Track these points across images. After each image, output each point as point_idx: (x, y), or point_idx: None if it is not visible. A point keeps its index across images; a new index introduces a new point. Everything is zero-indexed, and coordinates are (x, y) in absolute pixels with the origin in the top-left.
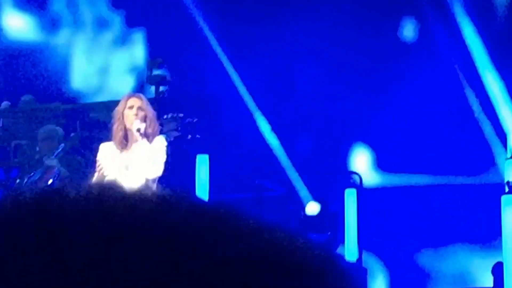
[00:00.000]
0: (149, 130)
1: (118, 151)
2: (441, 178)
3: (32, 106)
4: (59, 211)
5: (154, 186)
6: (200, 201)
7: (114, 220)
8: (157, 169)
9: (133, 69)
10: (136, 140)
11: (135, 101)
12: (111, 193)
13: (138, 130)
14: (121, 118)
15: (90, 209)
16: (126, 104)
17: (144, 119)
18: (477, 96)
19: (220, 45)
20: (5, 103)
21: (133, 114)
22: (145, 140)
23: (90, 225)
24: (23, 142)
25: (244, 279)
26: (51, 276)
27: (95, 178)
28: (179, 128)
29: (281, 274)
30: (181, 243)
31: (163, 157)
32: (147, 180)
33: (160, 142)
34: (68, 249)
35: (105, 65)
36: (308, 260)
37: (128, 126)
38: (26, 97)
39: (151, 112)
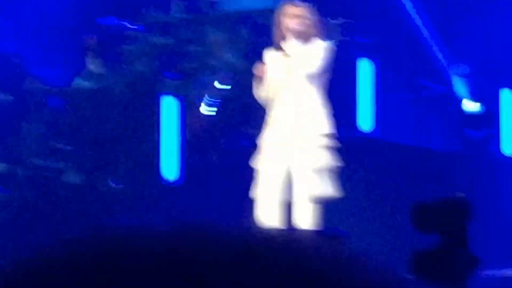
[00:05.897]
0: (307, 32)
1: (280, 53)
2: None
3: None
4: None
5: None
6: None
7: None
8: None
9: None
10: (293, 42)
11: (291, 9)
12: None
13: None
14: (278, 23)
15: None
16: (283, 10)
17: (302, 24)
18: None
19: None
20: None
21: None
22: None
23: None
24: None
25: None
26: None
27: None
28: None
29: None
30: None
31: (321, 59)
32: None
33: (319, 44)
34: None
35: None
36: None
37: (284, 30)
38: None
39: (311, 17)
